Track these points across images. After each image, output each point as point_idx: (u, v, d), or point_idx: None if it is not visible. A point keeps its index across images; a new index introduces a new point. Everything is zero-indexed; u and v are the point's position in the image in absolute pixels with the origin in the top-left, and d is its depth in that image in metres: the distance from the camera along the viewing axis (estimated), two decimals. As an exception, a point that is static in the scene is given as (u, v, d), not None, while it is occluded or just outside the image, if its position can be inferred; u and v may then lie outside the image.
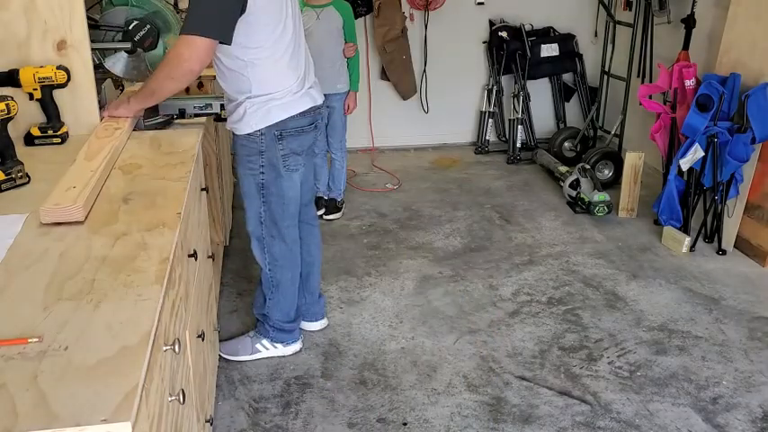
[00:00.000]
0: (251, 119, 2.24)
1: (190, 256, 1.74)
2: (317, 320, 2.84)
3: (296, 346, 2.67)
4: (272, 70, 2.21)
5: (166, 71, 2.05)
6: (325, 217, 3.88)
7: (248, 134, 2.27)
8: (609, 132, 4.57)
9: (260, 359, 2.63)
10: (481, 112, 5.04)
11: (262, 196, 2.38)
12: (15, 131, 1.84)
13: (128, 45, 2.28)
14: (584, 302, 3.04)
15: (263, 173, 2.33)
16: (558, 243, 3.61)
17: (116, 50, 2.26)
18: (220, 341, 2.65)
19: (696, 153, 3.36)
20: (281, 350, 2.64)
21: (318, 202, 3.93)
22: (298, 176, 2.40)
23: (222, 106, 2.37)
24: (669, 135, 3.67)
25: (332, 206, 3.94)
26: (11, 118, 1.69)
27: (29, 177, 1.72)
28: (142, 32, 2.16)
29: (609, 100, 4.81)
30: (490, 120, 5.00)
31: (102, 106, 2.13)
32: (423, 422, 2.31)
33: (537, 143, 4.93)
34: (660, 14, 4.14)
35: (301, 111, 2.30)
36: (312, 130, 2.39)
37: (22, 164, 1.71)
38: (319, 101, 2.41)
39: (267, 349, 2.64)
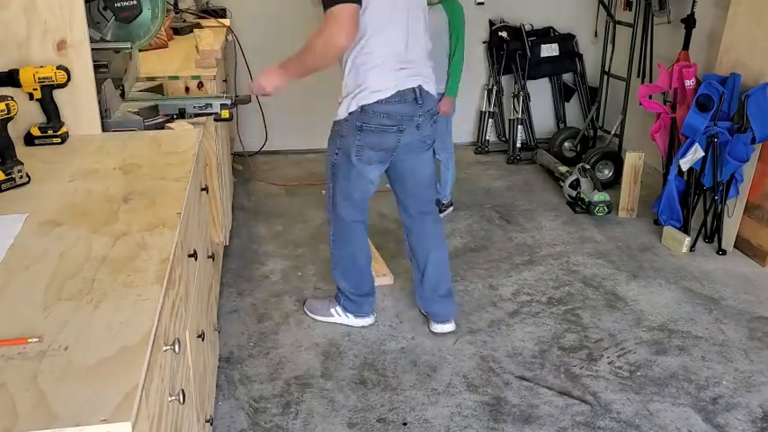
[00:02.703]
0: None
1: (190, 256, 1.74)
2: (438, 323, 2.79)
3: (366, 321, 2.84)
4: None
5: (321, 51, 2.25)
6: None
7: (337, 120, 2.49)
8: (609, 132, 4.57)
9: (334, 323, 2.84)
10: (481, 112, 5.04)
11: (332, 174, 2.58)
12: (15, 131, 1.84)
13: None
14: (584, 302, 3.04)
15: (336, 154, 2.53)
16: (558, 243, 3.61)
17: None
18: (309, 299, 2.96)
19: (696, 153, 3.36)
20: (351, 320, 2.83)
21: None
22: (374, 169, 2.52)
23: (222, 106, 2.36)
24: (669, 135, 3.67)
25: None
26: (11, 118, 1.69)
27: (29, 177, 1.72)
28: (126, 3, 2.15)
29: (609, 100, 4.81)
30: (490, 120, 5.00)
31: (102, 107, 2.12)
32: (423, 422, 2.31)
33: (537, 143, 4.93)
34: (660, 14, 4.14)
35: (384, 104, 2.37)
36: (394, 132, 2.43)
37: (22, 164, 1.71)
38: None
39: (339, 316, 2.84)
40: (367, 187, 2.58)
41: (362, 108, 2.36)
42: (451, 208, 3.96)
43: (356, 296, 2.79)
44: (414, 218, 2.73)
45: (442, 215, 3.85)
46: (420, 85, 2.42)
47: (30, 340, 1.04)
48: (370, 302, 2.84)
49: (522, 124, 4.86)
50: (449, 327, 2.79)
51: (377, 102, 2.35)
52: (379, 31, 2.31)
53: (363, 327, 2.83)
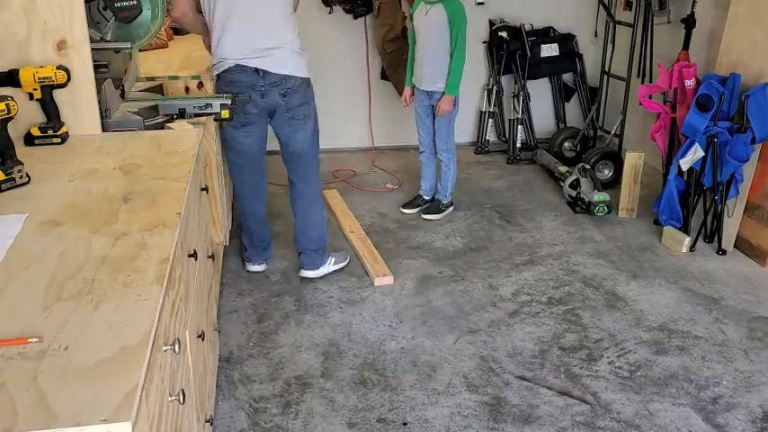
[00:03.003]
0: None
1: (190, 256, 1.74)
2: (304, 269, 3.24)
3: (254, 267, 3.29)
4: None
5: None
6: (423, 216, 3.90)
7: None
8: (609, 132, 4.57)
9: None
10: (481, 112, 5.04)
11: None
12: (15, 131, 1.84)
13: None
14: (584, 302, 3.04)
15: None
16: (558, 243, 3.61)
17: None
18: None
19: (696, 153, 3.36)
20: (248, 266, 3.30)
21: (415, 200, 4.01)
22: (239, 134, 2.93)
23: (222, 106, 2.37)
24: (669, 135, 3.67)
25: (434, 207, 3.93)
26: (11, 118, 1.69)
27: (29, 177, 1.72)
28: (126, 3, 2.16)
29: (609, 100, 4.81)
30: (490, 120, 5.00)
31: (102, 107, 2.12)
32: (423, 422, 2.31)
33: (537, 143, 4.93)
34: (660, 14, 4.14)
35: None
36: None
37: (22, 164, 1.71)
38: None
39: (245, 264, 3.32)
40: (238, 149, 2.99)
41: (218, 77, 2.84)
42: (451, 208, 3.97)
43: (248, 245, 3.26)
44: (293, 180, 3.14)
45: (441, 215, 3.88)
46: (260, 68, 2.79)
47: (30, 340, 1.05)
48: (260, 253, 3.27)
49: (522, 124, 4.86)
50: (312, 273, 3.22)
51: (224, 71, 2.81)
52: (226, 18, 2.75)
53: (256, 272, 3.27)
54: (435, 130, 3.83)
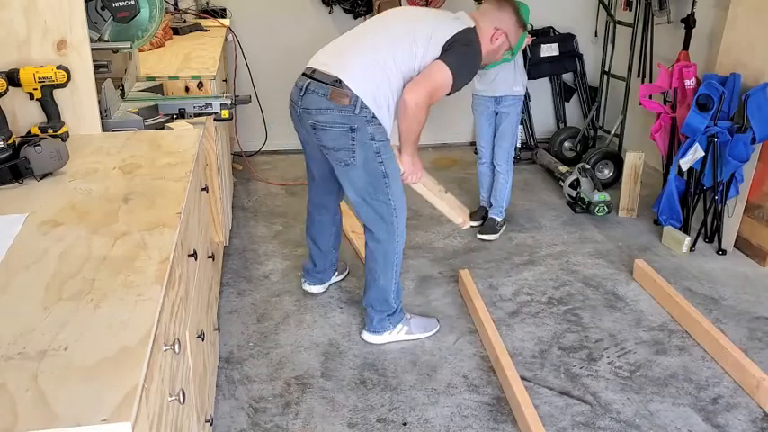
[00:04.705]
0: None
1: (190, 256, 1.74)
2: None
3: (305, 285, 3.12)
4: None
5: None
6: (478, 235, 3.63)
7: None
8: (609, 132, 4.57)
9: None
10: (481, 112, 5.03)
11: None
12: (16, 132, 1.84)
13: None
14: (584, 302, 3.04)
15: None
16: (558, 243, 3.61)
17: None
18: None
19: (696, 153, 3.36)
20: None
21: (479, 212, 3.81)
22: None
23: (222, 106, 2.37)
24: (669, 135, 3.67)
25: (489, 227, 3.65)
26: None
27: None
28: (124, 3, 2.16)
29: (609, 100, 4.81)
30: (490, 120, 4.99)
31: (102, 107, 2.12)
32: (423, 422, 2.31)
33: (537, 143, 4.93)
34: (660, 14, 4.14)
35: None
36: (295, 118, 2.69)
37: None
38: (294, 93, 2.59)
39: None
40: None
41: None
42: (505, 226, 3.73)
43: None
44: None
45: (497, 235, 3.65)
46: (308, 83, 2.51)
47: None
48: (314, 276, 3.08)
49: (522, 124, 4.86)
50: (370, 338, 2.77)
51: None
52: None
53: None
54: (497, 137, 3.64)
